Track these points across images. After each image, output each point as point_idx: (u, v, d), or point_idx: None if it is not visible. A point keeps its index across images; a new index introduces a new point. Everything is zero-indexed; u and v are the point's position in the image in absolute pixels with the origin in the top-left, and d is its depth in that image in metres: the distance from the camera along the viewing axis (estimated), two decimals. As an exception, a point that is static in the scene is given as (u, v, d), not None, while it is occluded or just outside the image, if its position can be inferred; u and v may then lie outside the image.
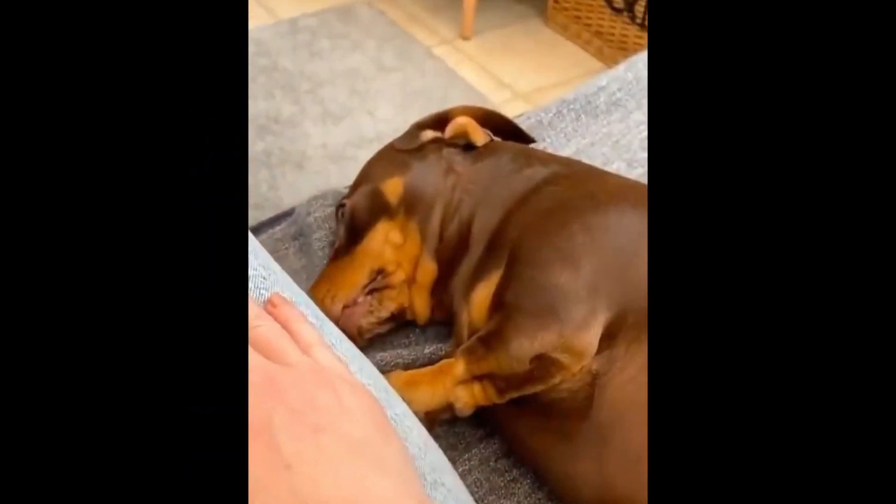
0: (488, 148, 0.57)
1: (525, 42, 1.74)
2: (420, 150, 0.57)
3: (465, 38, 1.73)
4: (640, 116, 0.71)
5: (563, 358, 0.43)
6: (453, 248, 0.53)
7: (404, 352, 0.54)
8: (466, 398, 0.46)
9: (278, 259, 0.63)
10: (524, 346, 0.43)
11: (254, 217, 0.70)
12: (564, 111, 0.71)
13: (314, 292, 0.54)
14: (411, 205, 0.55)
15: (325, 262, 0.60)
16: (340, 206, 0.57)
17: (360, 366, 0.40)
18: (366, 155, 1.72)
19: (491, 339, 0.45)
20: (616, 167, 0.67)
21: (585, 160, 0.68)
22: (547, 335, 0.43)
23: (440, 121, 0.58)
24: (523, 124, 0.71)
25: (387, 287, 0.54)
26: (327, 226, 0.62)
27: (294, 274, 0.61)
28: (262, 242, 0.64)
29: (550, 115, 0.70)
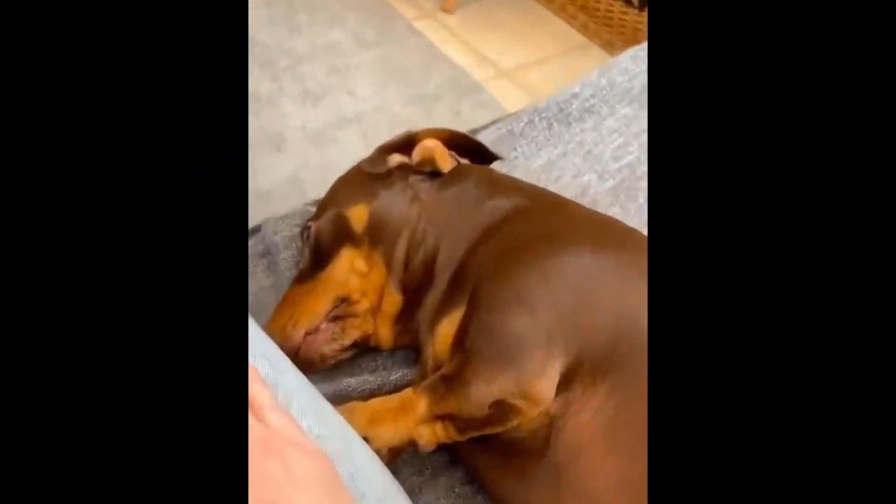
0: (454, 174, 0.56)
1: (509, 16, 1.70)
2: (387, 177, 0.56)
3: (448, 11, 1.69)
4: (613, 123, 0.70)
5: (520, 404, 0.43)
6: (419, 279, 0.53)
7: (371, 377, 0.55)
8: (429, 436, 0.47)
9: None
10: (482, 391, 0.44)
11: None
12: (536, 120, 0.70)
13: (276, 317, 0.54)
14: (376, 233, 0.54)
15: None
16: (306, 227, 0.57)
17: (317, 418, 0.40)
18: (345, 137, 1.68)
19: (452, 381, 0.45)
20: (587, 179, 0.66)
21: (557, 172, 0.68)
22: (504, 382, 0.43)
23: (407, 143, 0.58)
24: (494, 134, 0.70)
25: (351, 315, 0.54)
26: (294, 245, 0.62)
27: (262, 292, 0.61)
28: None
29: (522, 124, 0.69)
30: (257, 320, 0.56)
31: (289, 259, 0.61)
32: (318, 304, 0.53)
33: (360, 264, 0.54)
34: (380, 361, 0.57)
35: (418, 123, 1.45)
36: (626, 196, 0.64)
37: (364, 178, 0.57)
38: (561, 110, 0.70)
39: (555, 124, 0.70)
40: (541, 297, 0.45)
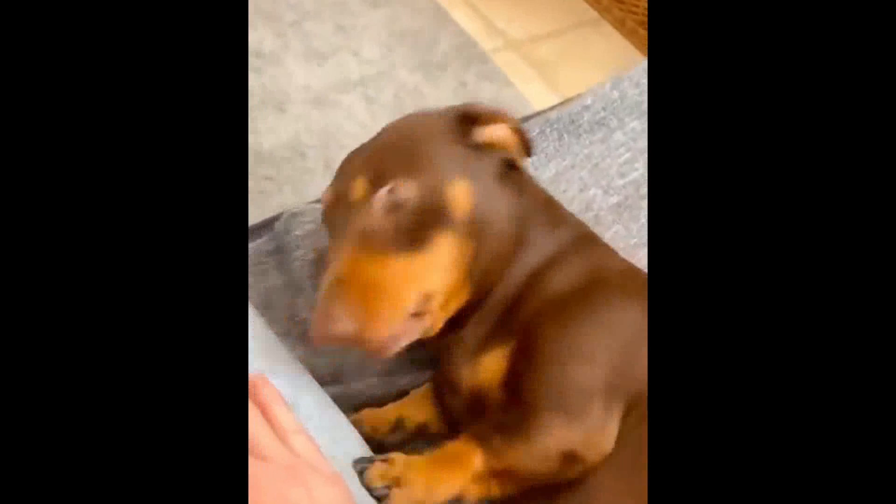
0: (521, 177, 0.53)
1: (520, -19, 1.67)
2: (482, 155, 0.48)
3: (458, -28, 1.65)
4: (622, 137, 0.72)
5: (587, 455, 0.44)
6: (478, 296, 0.49)
7: (377, 381, 0.58)
8: (481, 492, 0.46)
9: (259, 273, 0.65)
10: (549, 444, 0.44)
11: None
12: (548, 130, 0.71)
13: (342, 296, 0.43)
14: (478, 225, 0.47)
15: (305, 280, 0.62)
16: (390, 189, 0.45)
17: (330, 437, 0.43)
18: (349, 101, 1.66)
19: (510, 433, 0.45)
20: (592, 193, 0.69)
21: (564, 185, 0.70)
22: (571, 435, 0.44)
23: (477, 117, 0.50)
24: (506, 142, 0.71)
25: (427, 312, 0.46)
26: (307, 244, 0.64)
27: (276, 291, 0.63)
28: (244, 256, 0.65)
29: (534, 134, 0.71)
30: (268, 318, 0.58)
31: (301, 258, 0.63)
32: (404, 297, 0.44)
33: (460, 256, 0.46)
34: (386, 366, 0.60)
35: (424, 92, 1.45)
36: (629, 215, 0.67)
37: (453, 146, 0.48)
38: (572, 122, 0.71)
39: (565, 136, 0.71)
40: (598, 348, 0.46)
